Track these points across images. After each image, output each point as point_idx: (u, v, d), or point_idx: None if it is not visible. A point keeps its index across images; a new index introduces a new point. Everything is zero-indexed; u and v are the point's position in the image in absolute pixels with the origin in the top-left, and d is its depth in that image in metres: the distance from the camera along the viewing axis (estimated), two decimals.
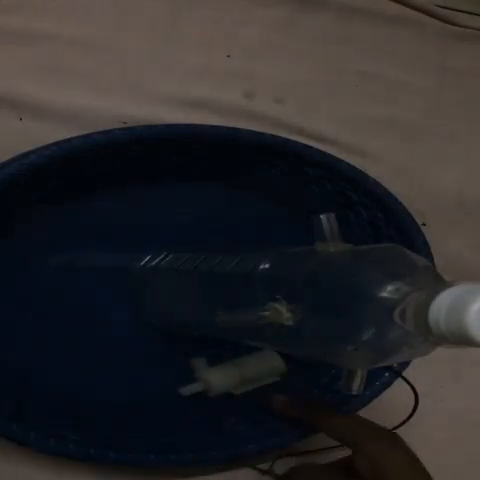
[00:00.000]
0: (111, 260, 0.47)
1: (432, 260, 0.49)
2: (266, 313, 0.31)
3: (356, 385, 0.32)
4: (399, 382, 0.45)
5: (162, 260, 0.45)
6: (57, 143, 0.39)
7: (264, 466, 0.48)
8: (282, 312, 0.31)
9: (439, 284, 0.27)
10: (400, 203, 0.47)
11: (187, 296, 0.43)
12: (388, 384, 0.47)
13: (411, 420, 0.44)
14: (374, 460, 0.36)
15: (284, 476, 0.43)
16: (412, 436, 0.39)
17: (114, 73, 0.48)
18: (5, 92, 0.45)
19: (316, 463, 0.42)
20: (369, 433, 0.38)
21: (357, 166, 0.47)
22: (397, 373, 0.45)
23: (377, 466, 0.35)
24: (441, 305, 0.25)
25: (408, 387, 0.44)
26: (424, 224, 0.55)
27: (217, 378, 0.46)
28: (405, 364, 0.46)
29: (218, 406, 0.46)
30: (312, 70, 0.54)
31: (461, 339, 0.25)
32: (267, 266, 0.34)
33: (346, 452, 0.39)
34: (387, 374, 0.47)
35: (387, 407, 0.47)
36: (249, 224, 0.51)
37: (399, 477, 0.35)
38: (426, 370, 0.52)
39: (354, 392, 0.32)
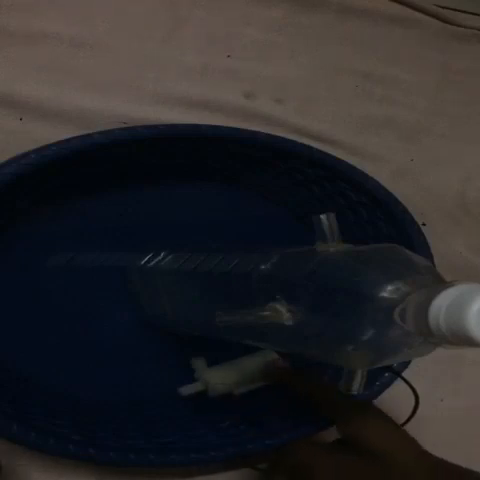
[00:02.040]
0: (111, 260, 0.47)
1: (432, 260, 0.49)
2: (266, 313, 0.31)
3: (356, 385, 0.32)
4: (399, 382, 0.45)
5: (162, 260, 0.45)
6: (57, 143, 0.39)
7: (264, 466, 0.48)
8: (282, 312, 0.31)
9: (439, 284, 0.27)
10: (400, 203, 0.47)
11: (187, 296, 0.43)
12: (388, 384, 0.47)
13: (411, 420, 0.44)
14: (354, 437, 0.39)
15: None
16: (412, 436, 0.39)
17: (114, 73, 0.48)
18: (5, 92, 0.45)
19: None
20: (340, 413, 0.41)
21: (357, 166, 0.47)
22: (397, 373, 0.45)
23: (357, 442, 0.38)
24: (441, 305, 0.25)
25: (408, 387, 0.44)
26: (424, 224, 0.55)
27: (217, 378, 0.46)
28: (405, 364, 0.46)
29: (218, 406, 0.46)
30: (312, 70, 0.54)
31: (461, 339, 0.25)
32: (267, 266, 0.34)
33: None
34: (387, 374, 0.47)
35: (387, 407, 0.47)
36: (249, 224, 0.51)
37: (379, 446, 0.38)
38: (426, 370, 0.52)
39: (354, 392, 0.32)
